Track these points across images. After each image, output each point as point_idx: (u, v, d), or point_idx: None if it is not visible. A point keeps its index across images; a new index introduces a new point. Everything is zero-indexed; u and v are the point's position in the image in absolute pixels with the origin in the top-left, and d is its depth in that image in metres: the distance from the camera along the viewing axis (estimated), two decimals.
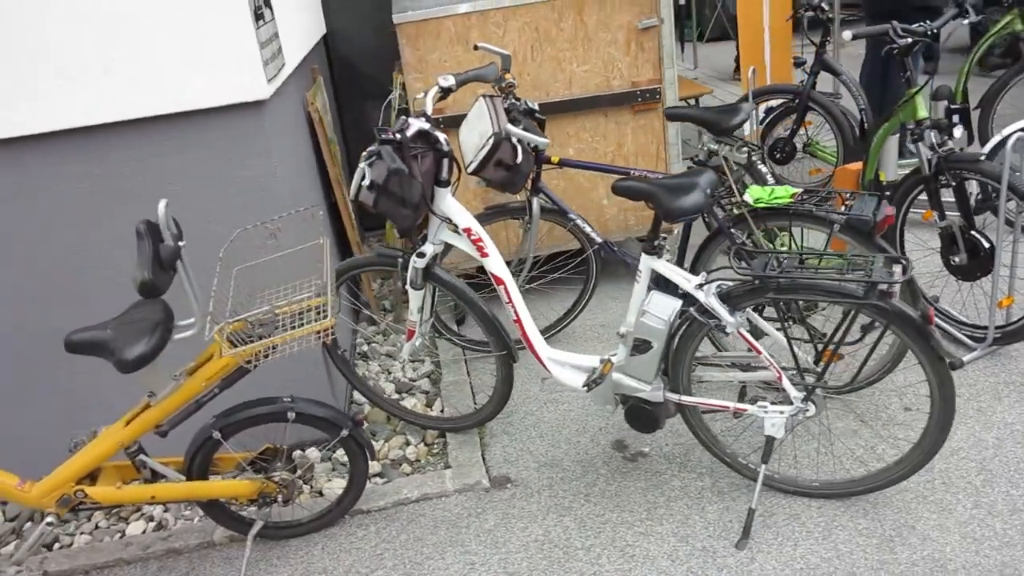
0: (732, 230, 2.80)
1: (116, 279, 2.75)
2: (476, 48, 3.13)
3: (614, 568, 2.44)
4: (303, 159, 3.31)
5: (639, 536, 2.55)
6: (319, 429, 2.56)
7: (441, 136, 2.48)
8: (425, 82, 3.67)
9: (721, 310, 2.30)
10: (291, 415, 2.48)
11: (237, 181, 2.72)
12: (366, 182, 2.39)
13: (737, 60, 7.53)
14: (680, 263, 2.68)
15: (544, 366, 2.72)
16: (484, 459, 2.99)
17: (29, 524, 3.01)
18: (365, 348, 3.91)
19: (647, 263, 2.42)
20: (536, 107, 2.96)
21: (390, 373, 3.68)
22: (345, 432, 2.53)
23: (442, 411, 3.34)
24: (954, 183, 3.06)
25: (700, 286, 2.34)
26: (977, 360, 3.17)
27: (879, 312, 2.18)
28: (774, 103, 4.79)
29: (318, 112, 3.59)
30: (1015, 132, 2.96)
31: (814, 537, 2.45)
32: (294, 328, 2.35)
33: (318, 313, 2.38)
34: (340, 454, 3.06)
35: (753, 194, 2.68)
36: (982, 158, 3.02)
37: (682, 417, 2.64)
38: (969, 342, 3.24)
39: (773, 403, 2.42)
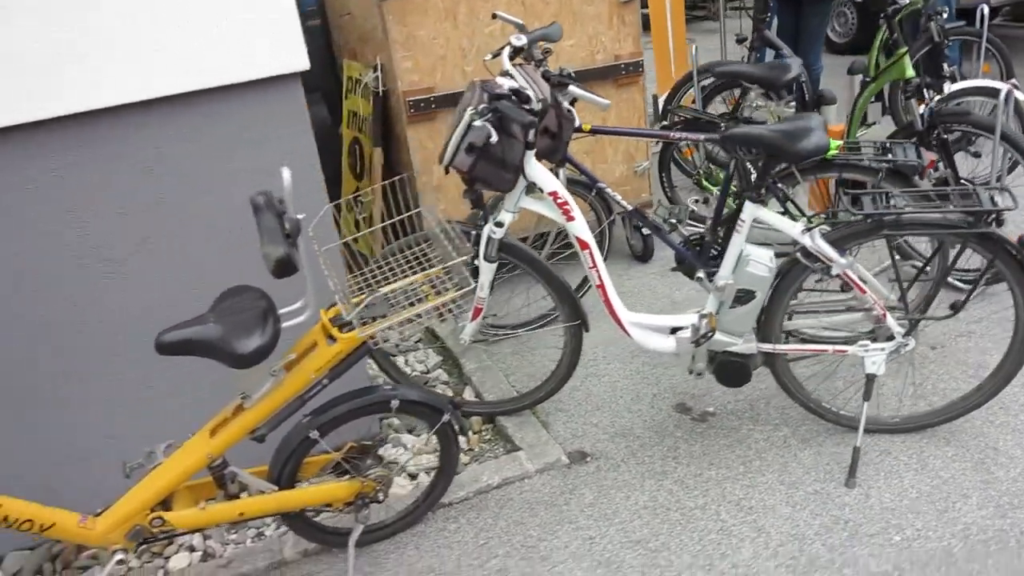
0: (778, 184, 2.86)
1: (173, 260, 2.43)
2: (494, 17, 3.02)
3: (738, 521, 2.42)
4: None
5: (747, 489, 2.54)
6: (419, 417, 2.38)
7: (532, 94, 2.36)
8: (415, 61, 3.50)
9: (832, 252, 2.34)
10: (395, 403, 2.28)
11: (285, 157, 2.47)
12: (465, 144, 2.24)
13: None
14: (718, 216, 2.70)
15: (626, 331, 2.66)
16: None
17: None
18: None
19: (751, 211, 2.42)
20: (572, 73, 2.89)
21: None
22: (447, 416, 2.36)
23: (476, 396, 3.20)
24: (947, 135, 3.29)
25: (805, 231, 2.37)
26: None
27: (986, 242, 2.29)
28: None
29: None
30: (1007, 87, 3.22)
31: (913, 469, 2.55)
32: (411, 304, 2.16)
33: (432, 286, 2.20)
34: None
35: None
36: (969, 112, 3.27)
37: (769, 368, 2.66)
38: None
39: (874, 341, 2.49)
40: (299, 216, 1.97)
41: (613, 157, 3.94)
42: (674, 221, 2.80)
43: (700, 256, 2.70)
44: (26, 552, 2.56)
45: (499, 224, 2.55)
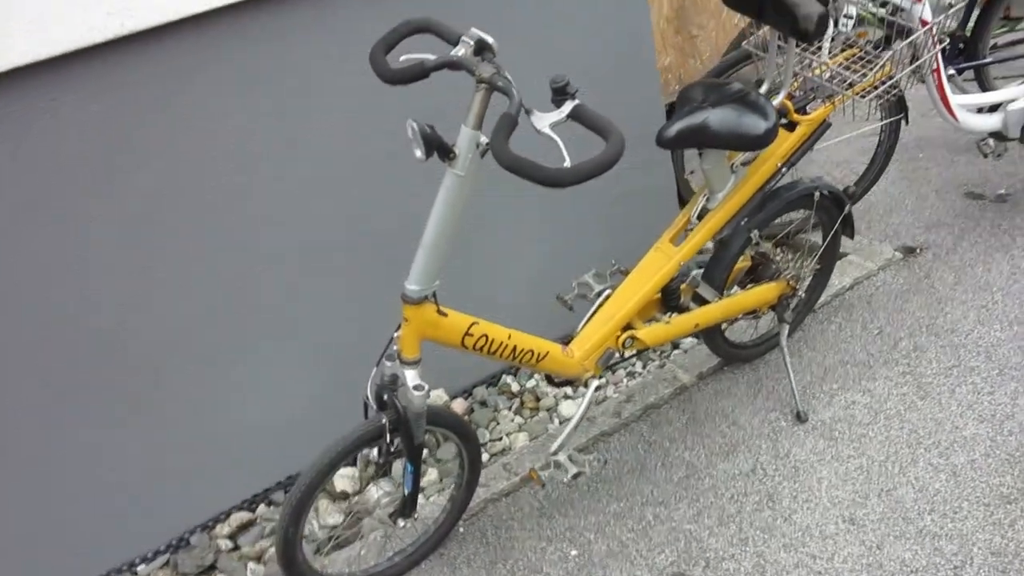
0: None
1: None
2: None
3: None
4: None
5: None
6: (825, 212, 2.38)
7: None
8: None
9: None
10: (817, 195, 2.28)
11: None
12: None
13: None
14: None
15: (953, 115, 2.71)
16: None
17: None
18: None
19: None
20: None
21: None
22: (848, 208, 2.37)
23: None
24: None
25: None
26: None
27: None
28: None
29: None
30: None
31: None
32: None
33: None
34: None
35: None
36: None
37: None
38: None
39: None
40: None
41: None
42: None
43: None
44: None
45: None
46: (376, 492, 2.02)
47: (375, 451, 2.47)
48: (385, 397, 1.81)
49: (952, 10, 2.66)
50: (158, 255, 2.04)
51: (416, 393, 1.75)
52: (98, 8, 1.79)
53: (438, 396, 2.47)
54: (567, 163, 1.43)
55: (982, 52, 3.19)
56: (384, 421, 1.80)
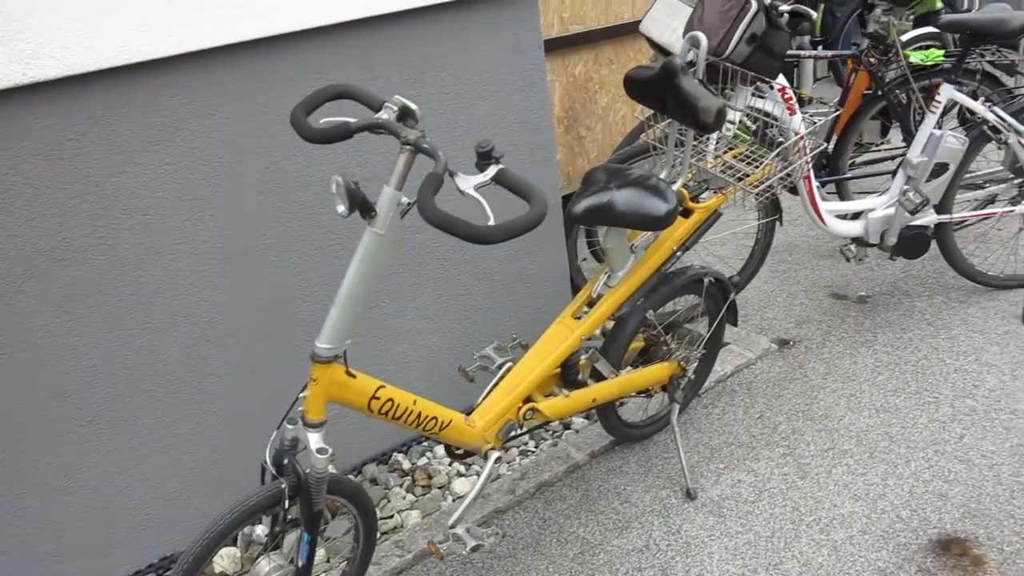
0: (896, 92, 3.30)
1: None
2: None
3: (965, 361, 2.78)
4: None
5: (948, 340, 2.91)
6: (712, 297, 2.51)
7: None
8: None
9: (1016, 123, 2.78)
10: (707, 280, 2.41)
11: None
12: (748, 35, 2.44)
13: None
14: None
15: (821, 219, 2.95)
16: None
17: None
18: None
19: (948, 92, 2.81)
20: None
21: None
22: (733, 295, 2.53)
23: None
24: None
25: (989, 108, 2.80)
26: None
27: None
28: None
29: None
30: None
31: None
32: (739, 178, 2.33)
33: (750, 161, 2.38)
34: None
35: (914, 57, 3.21)
36: None
37: (937, 238, 3.05)
38: None
39: None
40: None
41: None
42: None
43: None
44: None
45: (731, 122, 2.75)
46: (267, 565, 1.91)
47: (259, 529, 2.36)
48: (285, 461, 1.75)
49: (817, 126, 2.95)
50: (32, 316, 1.93)
51: (320, 456, 1.70)
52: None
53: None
54: (492, 222, 1.47)
55: (842, 169, 3.53)
56: (283, 486, 1.72)
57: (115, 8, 1.86)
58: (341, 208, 1.56)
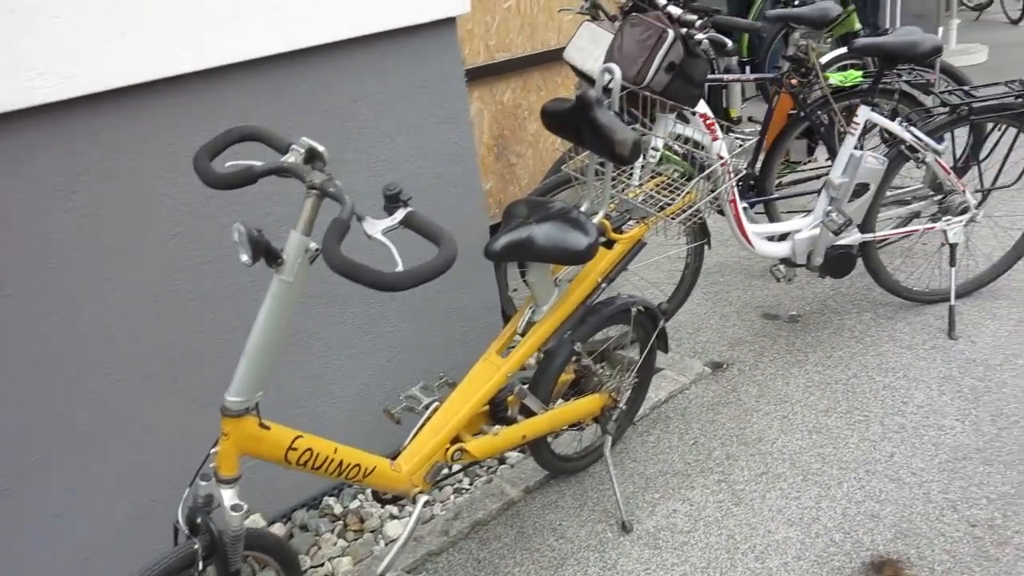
0: (818, 112, 3.35)
1: None
2: None
3: (893, 378, 2.81)
4: None
5: (878, 357, 2.94)
6: (640, 326, 2.51)
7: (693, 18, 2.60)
8: None
9: (931, 142, 2.84)
10: (634, 310, 2.40)
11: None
12: (666, 64, 2.44)
13: None
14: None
15: (749, 242, 2.97)
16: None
17: None
18: None
19: (865, 114, 2.85)
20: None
21: None
22: (663, 323, 2.52)
23: None
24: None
25: (906, 128, 2.85)
26: None
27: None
28: None
29: None
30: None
31: (1000, 320, 3.08)
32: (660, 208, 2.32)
33: (671, 190, 2.38)
34: None
35: (833, 78, 3.26)
36: None
37: (863, 256, 3.09)
38: None
39: (954, 215, 3.02)
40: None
41: None
42: None
43: None
44: None
45: (655, 149, 2.76)
46: None
47: None
48: (199, 520, 1.67)
49: (741, 149, 2.97)
50: None
51: (234, 514, 1.63)
52: None
53: (254, 520, 2.32)
54: (400, 268, 1.43)
55: (769, 189, 3.56)
56: (196, 547, 1.65)
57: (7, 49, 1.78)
58: (244, 257, 1.50)
